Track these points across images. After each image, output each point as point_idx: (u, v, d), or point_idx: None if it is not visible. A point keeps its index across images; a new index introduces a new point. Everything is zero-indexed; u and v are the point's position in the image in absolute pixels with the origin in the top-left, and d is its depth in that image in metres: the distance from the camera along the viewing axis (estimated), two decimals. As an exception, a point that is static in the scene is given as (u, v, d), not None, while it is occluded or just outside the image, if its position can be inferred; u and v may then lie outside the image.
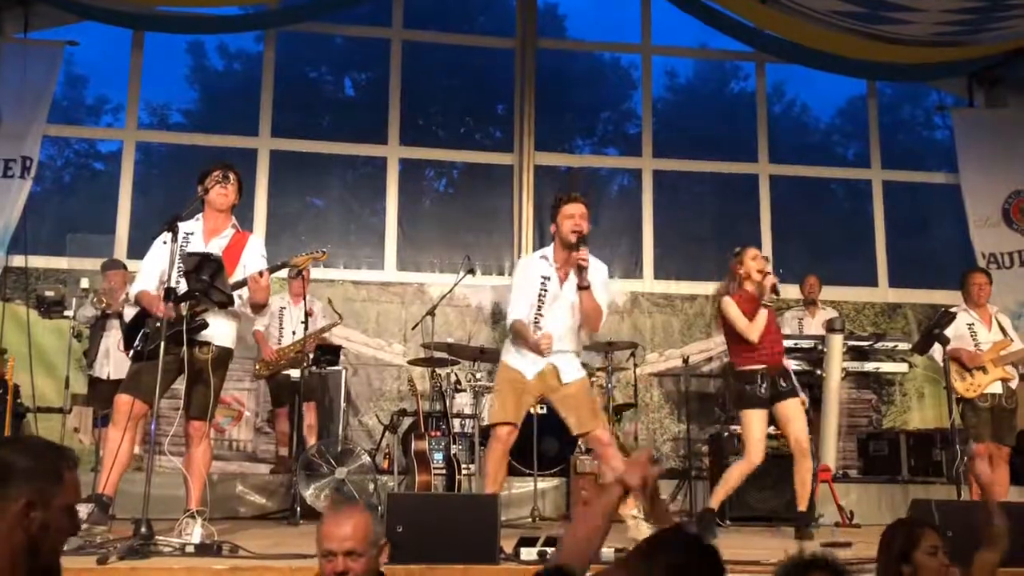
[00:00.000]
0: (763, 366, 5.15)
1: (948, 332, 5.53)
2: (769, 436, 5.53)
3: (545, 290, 4.63)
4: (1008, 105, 9.65)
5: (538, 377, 4.62)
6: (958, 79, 9.68)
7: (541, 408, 6.09)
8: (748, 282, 5.21)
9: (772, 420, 5.30)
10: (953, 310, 5.74)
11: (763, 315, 5.14)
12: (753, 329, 5.11)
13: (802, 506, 5.16)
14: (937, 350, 5.56)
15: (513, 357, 4.70)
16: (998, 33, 8.48)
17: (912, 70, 9.22)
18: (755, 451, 5.09)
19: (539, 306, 4.63)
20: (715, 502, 5.28)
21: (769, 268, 5.23)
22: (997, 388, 5.71)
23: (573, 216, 4.59)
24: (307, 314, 6.48)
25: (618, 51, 9.88)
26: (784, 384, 5.21)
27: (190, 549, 3.78)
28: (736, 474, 5.18)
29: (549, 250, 4.78)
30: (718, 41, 9.40)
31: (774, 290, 5.15)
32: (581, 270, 4.51)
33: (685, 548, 1.80)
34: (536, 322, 4.63)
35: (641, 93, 9.45)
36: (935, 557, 2.74)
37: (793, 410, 5.19)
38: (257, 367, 7.00)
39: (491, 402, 4.93)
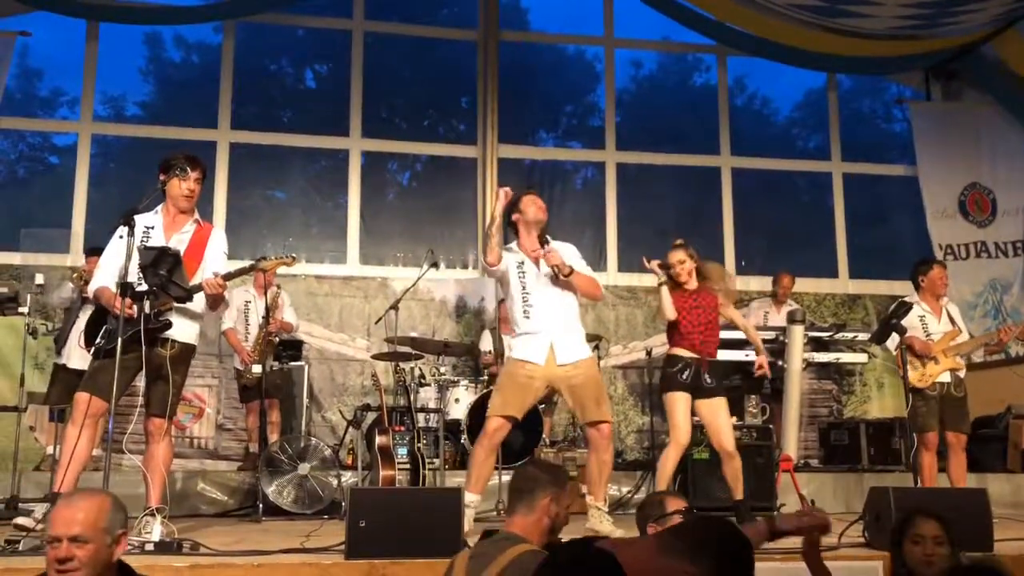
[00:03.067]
0: (687, 353, 5.21)
1: (904, 322, 5.61)
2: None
3: (524, 274, 4.71)
4: (964, 99, 9.82)
5: (546, 363, 4.62)
6: (916, 73, 9.83)
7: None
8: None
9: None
10: (908, 300, 5.81)
11: (665, 295, 5.21)
12: (664, 311, 5.21)
13: (738, 495, 5.22)
14: (892, 340, 5.64)
15: (519, 348, 4.70)
16: (953, 28, 8.63)
17: (870, 63, 9.33)
18: (681, 433, 5.13)
19: (524, 291, 4.70)
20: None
21: (679, 259, 5.29)
22: (946, 377, 5.79)
23: (535, 201, 4.77)
24: (268, 308, 6.41)
25: (581, 43, 9.88)
26: (709, 380, 5.18)
27: (149, 547, 3.73)
28: (669, 460, 5.18)
29: (513, 244, 4.84)
30: (680, 34, 9.46)
31: (664, 267, 5.27)
32: (556, 270, 4.59)
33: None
34: (525, 301, 4.69)
35: (604, 86, 9.47)
36: (918, 546, 2.97)
37: (715, 410, 5.17)
38: (246, 379, 6.88)
39: (492, 396, 4.91)
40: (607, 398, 4.90)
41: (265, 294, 6.57)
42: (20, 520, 4.12)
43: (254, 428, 6.95)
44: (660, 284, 5.24)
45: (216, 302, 4.48)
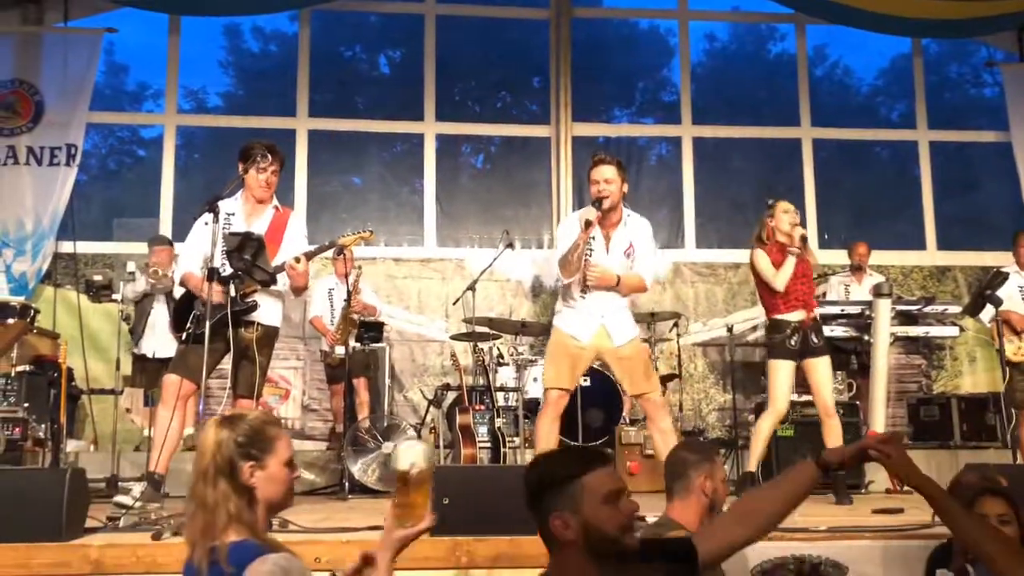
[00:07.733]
0: (794, 317, 5.14)
1: (1000, 293, 5.39)
2: (808, 404, 5.48)
3: (591, 251, 4.63)
4: (1060, 58, 9.35)
5: (593, 339, 4.62)
6: (1008, 33, 9.37)
7: (585, 380, 6.08)
8: (779, 234, 5.23)
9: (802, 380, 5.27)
10: (1005, 270, 5.58)
11: (790, 264, 5.12)
12: (779, 278, 5.12)
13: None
14: (987, 312, 5.43)
15: (566, 321, 4.68)
16: (1049, -17, 8.20)
17: (959, 26, 8.92)
18: (780, 400, 5.09)
19: (587, 267, 4.62)
20: (753, 463, 5.26)
21: (798, 220, 5.24)
22: (1044, 352, 5.58)
23: (598, 182, 4.61)
24: (349, 292, 6.51)
25: (654, 17, 9.72)
26: (816, 340, 5.18)
27: (240, 524, 3.83)
28: (766, 426, 5.16)
29: (592, 211, 4.73)
30: (755, 3, 9.23)
31: (803, 240, 5.16)
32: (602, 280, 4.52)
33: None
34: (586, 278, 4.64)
35: (678, 60, 9.31)
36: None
37: (822, 369, 5.17)
38: (330, 359, 7.01)
39: (544, 367, 4.91)
40: (654, 371, 4.85)
41: (346, 279, 6.69)
42: (120, 498, 4.28)
43: (339, 409, 7.09)
44: (795, 252, 5.15)
45: (299, 289, 4.58)
